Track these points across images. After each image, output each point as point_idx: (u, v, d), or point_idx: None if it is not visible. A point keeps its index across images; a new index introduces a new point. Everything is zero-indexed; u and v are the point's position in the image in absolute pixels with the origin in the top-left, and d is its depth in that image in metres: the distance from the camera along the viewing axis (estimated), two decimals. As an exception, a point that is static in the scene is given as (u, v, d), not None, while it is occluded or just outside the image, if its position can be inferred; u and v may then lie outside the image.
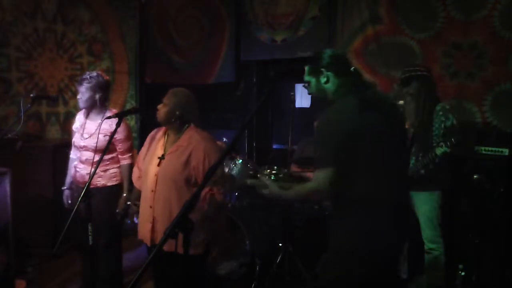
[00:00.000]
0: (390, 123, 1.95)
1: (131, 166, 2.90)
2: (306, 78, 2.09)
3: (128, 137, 2.95)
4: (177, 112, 2.41)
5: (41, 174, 3.89)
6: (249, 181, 2.13)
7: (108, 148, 2.51)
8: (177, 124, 2.44)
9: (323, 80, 2.01)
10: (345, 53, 2.05)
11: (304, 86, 2.12)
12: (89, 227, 2.30)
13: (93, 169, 2.85)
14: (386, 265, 1.94)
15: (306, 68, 2.08)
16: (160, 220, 2.38)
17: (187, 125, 2.46)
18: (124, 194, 2.87)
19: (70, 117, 4.71)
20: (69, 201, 3.08)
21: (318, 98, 2.09)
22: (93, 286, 2.92)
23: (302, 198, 2.00)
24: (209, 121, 5.22)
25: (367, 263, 1.84)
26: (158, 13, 5.55)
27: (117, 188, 2.94)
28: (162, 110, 2.44)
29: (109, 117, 2.66)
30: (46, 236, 3.85)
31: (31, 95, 3.16)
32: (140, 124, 5.23)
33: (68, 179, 3.12)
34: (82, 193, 2.18)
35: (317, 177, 1.83)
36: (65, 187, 3.10)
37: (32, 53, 4.52)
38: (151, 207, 2.40)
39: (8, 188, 2.99)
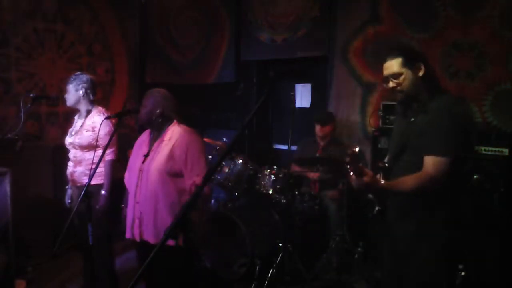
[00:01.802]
0: None
1: (112, 162, 2.91)
2: (398, 70, 1.97)
3: (110, 132, 2.95)
4: (157, 111, 2.46)
5: (41, 174, 3.89)
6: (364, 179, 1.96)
7: (107, 146, 2.52)
8: (159, 122, 2.49)
9: (420, 73, 1.95)
10: None
11: (389, 77, 2.01)
12: (89, 227, 2.30)
13: (81, 168, 2.91)
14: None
15: (399, 58, 1.97)
16: (146, 214, 2.41)
17: (169, 122, 2.51)
18: (103, 192, 2.85)
19: (69, 117, 4.70)
20: (69, 200, 3.11)
21: (405, 93, 1.99)
22: (93, 286, 2.92)
23: (413, 188, 1.91)
24: (209, 121, 5.22)
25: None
26: (158, 13, 5.55)
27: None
28: (142, 112, 2.48)
29: (109, 117, 2.67)
30: (46, 236, 3.85)
31: (31, 95, 3.17)
32: (140, 124, 5.24)
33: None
34: (82, 193, 2.18)
35: (435, 164, 1.86)
36: (68, 186, 3.12)
37: (32, 53, 4.52)
38: (137, 202, 2.43)
39: (8, 188, 2.98)
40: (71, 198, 3.10)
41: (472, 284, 2.97)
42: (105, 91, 5.15)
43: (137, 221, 2.44)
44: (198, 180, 2.38)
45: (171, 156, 2.39)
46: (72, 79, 2.97)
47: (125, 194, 2.69)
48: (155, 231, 2.39)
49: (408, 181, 1.93)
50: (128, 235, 2.52)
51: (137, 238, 2.45)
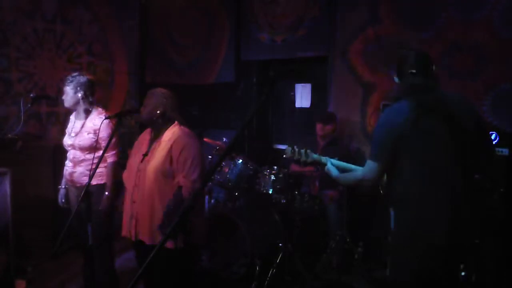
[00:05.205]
0: (451, 126, 1.96)
1: (115, 164, 2.90)
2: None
3: (112, 134, 2.95)
4: (158, 111, 2.46)
5: (41, 174, 3.89)
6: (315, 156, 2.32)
7: (107, 147, 2.52)
8: (160, 122, 2.49)
9: (395, 79, 2.18)
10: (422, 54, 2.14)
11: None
12: (89, 227, 2.30)
13: (81, 168, 2.90)
14: (437, 261, 1.97)
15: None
16: (142, 214, 2.42)
17: (170, 123, 2.51)
18: (107, 193, 2.84)
19: (69, 117, 4.71)
20: (63, 200, 3.09)
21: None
22: (93, 286, 2.92)
23: (352, 184, 2.26)
24: (209, 121, 5.22)
25: (416, 257, 1.96)
26: (158, 13, 5.55)
27: (104, 187, 2.93)
28: (143, 111, 2.48)
29: (109, 117, 2.67)
30: (46, 236, 3.85)
31: (31, 95, 3.17)
32: (140, 124, 5.23)
33: (64, 179, 3.13)
34: (82, 194, 2.18)
35: (365, 168, 2.05)
36: (61, 186, 3.11)
37: (32, 53, 4.52)
38: (134, 202, 2.44)
39: (8, 188, 2.99)
40: (66, 198, 3.09)
41: (472, 284, 2.97)
42: (105, 91, 5.14)
43: (133, 221, 2.44)
44: (182, 180, 2.36)
45: (168, 158, 2.39)
46: (69, 80, 2.91)
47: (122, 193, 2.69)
48: (150, 231, 2.39)
49: (347, 177, 2.20)
50: (124, 233, 2.53)
51: (133, 238, 2.46)
